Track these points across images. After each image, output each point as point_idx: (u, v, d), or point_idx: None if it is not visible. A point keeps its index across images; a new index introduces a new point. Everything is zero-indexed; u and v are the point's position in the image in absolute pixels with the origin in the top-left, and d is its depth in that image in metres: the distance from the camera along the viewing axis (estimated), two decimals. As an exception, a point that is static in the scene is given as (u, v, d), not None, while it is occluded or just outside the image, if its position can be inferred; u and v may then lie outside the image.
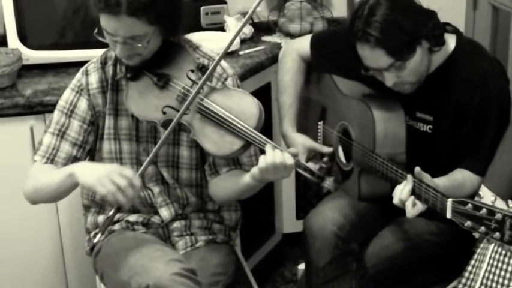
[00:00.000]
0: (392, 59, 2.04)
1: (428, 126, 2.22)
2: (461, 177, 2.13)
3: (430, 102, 2.20)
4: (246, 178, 1.97)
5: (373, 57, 2.06)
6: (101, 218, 2.18)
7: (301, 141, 2.36)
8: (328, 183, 1.92)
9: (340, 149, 2.38)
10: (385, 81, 2.11)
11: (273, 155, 1.87)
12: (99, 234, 1.99)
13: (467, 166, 2.15)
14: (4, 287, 2.65)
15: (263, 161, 1.88)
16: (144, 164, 1.96)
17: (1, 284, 2.64)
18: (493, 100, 2.12)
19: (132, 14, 1.88)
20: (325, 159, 2.26)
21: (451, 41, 2.17)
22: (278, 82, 2.51)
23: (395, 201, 2.03)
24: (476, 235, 1.76)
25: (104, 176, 1.86)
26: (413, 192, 2.00)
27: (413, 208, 2.00)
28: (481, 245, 2.00)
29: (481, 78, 2.12)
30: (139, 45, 1.94)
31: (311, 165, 1.96)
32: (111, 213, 1.94)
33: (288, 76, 2.47)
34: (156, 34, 1.97)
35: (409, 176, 2.00)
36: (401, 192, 2.00)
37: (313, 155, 2.33)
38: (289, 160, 1.88)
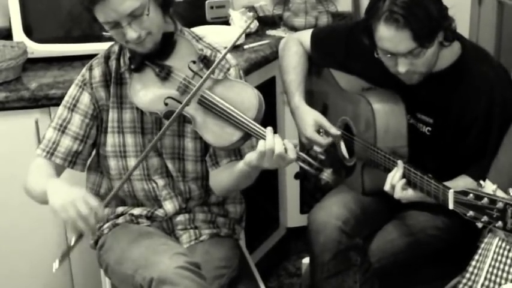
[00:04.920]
0: (414, 44, 2.01)
1: (427, 128, 2.21)
2: (463, 184, 2.10)
3: (432, 105, 2.19)
4: (240, 164, 1.96)
5: (396, 39, 2.01)
6: (106, 211, 2.18)
7: (313, 115, 2.36)
8: (327, 175, 1.91)
9: (342, 144, 2.37)
10: (397, 67, 2.08)
11: (272, 141, 1.86)
12: (57, 261, 1.96)
13: (470, 173, 2.13)
14: (9, 280, 2.65)
15: (262, 146, 1.87)
16: (111, 194, 1.96)
17: (6, 277, 2.65)
18: (497, 110, 2.10)
19: None
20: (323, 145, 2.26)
21: (455, 44, 2.15)
22: (283, 64, 2.50)
23: (387, 187, 2.05)
24: (479, 225, 1.76)
25: (68, 201, 1.86)
26: (414, 185, 2.00)
27: (401, 191, 2.02)
28: (485, 240, 2.00)
29: (487, 88, 2.10)
30: (145, 15, 1.92)
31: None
32: (72, 241, 1.93)
33: (295, 58, 2.47)
34: (152, 2, 1.95)
35: (399, 162, 2.03)
36: (393, 178, 2.03)
37: (319, 132, 2.33)
38: (290, 149, 1.87)
